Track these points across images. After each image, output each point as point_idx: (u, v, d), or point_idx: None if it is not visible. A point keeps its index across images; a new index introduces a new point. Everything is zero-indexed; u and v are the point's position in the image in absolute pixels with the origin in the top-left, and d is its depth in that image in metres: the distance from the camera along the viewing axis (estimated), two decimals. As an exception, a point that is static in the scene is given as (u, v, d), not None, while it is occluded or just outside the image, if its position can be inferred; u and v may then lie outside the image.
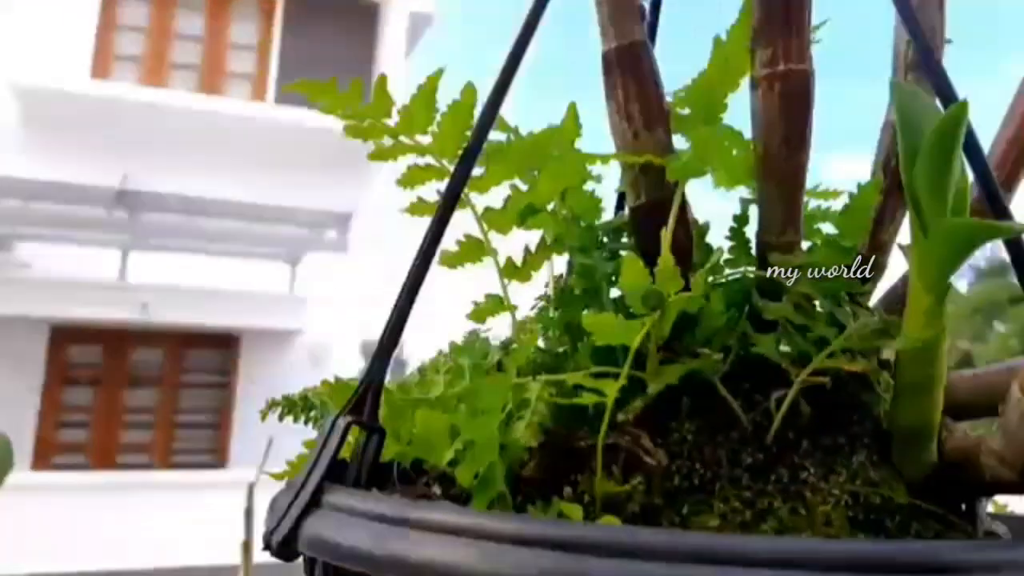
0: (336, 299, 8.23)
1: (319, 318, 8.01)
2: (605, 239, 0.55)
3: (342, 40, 8.89)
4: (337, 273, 8.14)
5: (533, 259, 0.49)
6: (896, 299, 0.54)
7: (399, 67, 8.68)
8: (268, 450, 1.20)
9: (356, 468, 0.41)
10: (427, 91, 0.42)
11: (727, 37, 0.45)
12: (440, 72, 0.43)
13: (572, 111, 0.53)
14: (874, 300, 0.54)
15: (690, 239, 0.51)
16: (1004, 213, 0.41)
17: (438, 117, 0.44)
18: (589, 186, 0.53)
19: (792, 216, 0.48)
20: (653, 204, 0.49)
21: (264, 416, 0.60)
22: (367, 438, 0.40)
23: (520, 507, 0.39)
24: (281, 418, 0.60)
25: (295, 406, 0.59)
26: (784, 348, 0.45)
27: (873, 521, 0.40)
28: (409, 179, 0.49)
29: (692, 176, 0.45)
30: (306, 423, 0.59)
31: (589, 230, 0.51)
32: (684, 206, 0.50)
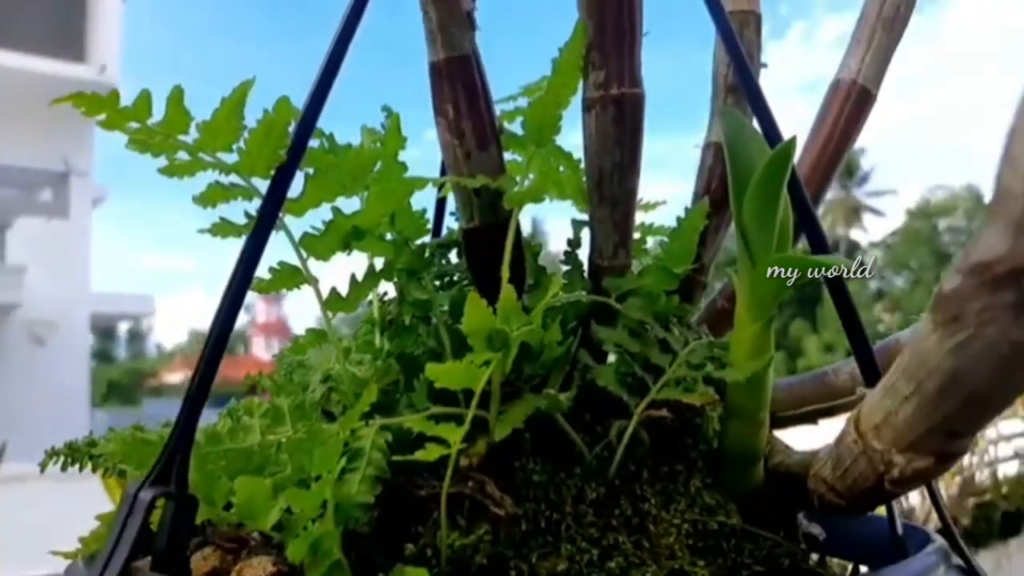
0: (60, 268, 7.37)
1: (40, 290, 7.14)
2: (434, 258, 0.52)
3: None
4: (58, 238, 7.26)
5: (360, 288, 0.45)
6: (716, 315, 0.56)
7: (115, 10, 7.83)
8: (1, 456, 1.05)
9: (165, 541, 0.35)
10: (232, 104, 0.37)
11: (561, 55, 0.44)
12: (249, 83, 0.37)
13: (395, 122, 0.49)
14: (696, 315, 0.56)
15: (523, 260, 0.49)
16: (823, 247, 0.43)
17: (245, 133, 0.38)
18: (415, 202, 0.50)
19: (624, 239, 0.48)
20: (487, 227, 0.46)
21: (44, 467, 0.51)
22: (176, 509, 0.35)
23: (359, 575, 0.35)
24: (64, 468, 0.51)
25: (80, 454, 0.51)
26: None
27: (712, 546, 0.40)
28: (210, 198, 0.43)
29: (530, 202, 0.43)
30: (94, 471, 0.52)
31: (419, 253, 0.48)
32: (516, 226, 0.48)
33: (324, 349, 0.49)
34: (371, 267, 0.46)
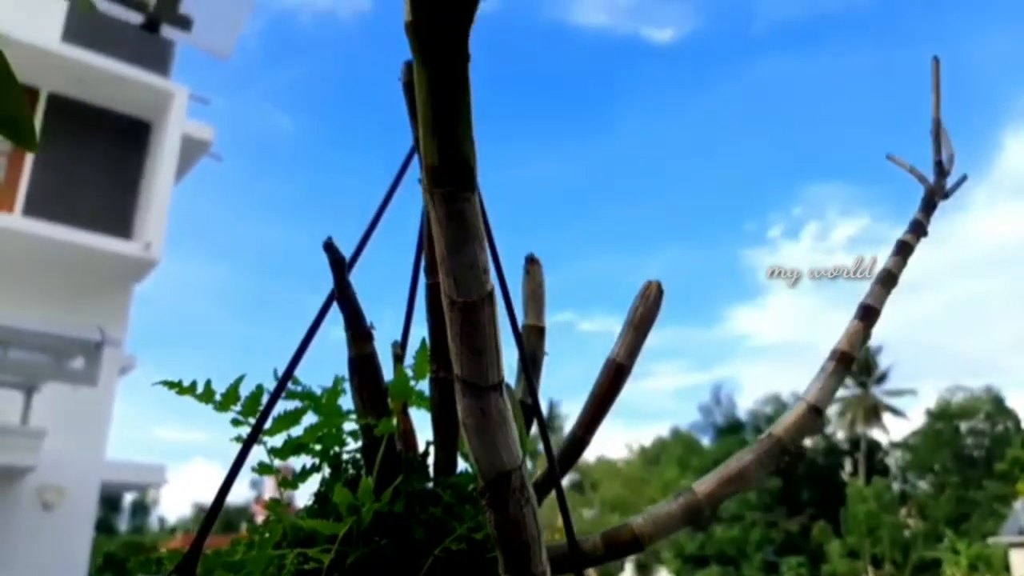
0: (79, 435, 7.60)
1: (55, 455, 7.20)
2: (358, 456, 0.90)
3: (107, 155, 8.67)
4: (82, 405, 7.47)
5: (300, 477, 0.84)
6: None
7: (166, 193, 8.41)
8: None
9: (179, 604, 0.71)
10: (233, 388, 0.78)
11: (416, 357, 0.85)
12: (240, 379, 0.79)
13: (337, 384, 0.90)
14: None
15: (399, 461, 0.88)
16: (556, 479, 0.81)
17: (242, 398, 0.79)
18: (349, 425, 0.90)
19: (450, 458, 0.87)
20: (375, 444, 0.85)
21: (133, 571, 0.87)
22: (188, 586, 0.72)
23: (272, 623, 0.71)
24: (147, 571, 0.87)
25: (151, 564, 0.87)
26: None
27: (467, 630, 0.75)
28: (235, 423, 0.83)
29: (389, 432, 0.82)
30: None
31: (337, 457, 0.87)
32: (395, 440, 0.87)
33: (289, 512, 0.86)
34: (304, 466, 0.85)
